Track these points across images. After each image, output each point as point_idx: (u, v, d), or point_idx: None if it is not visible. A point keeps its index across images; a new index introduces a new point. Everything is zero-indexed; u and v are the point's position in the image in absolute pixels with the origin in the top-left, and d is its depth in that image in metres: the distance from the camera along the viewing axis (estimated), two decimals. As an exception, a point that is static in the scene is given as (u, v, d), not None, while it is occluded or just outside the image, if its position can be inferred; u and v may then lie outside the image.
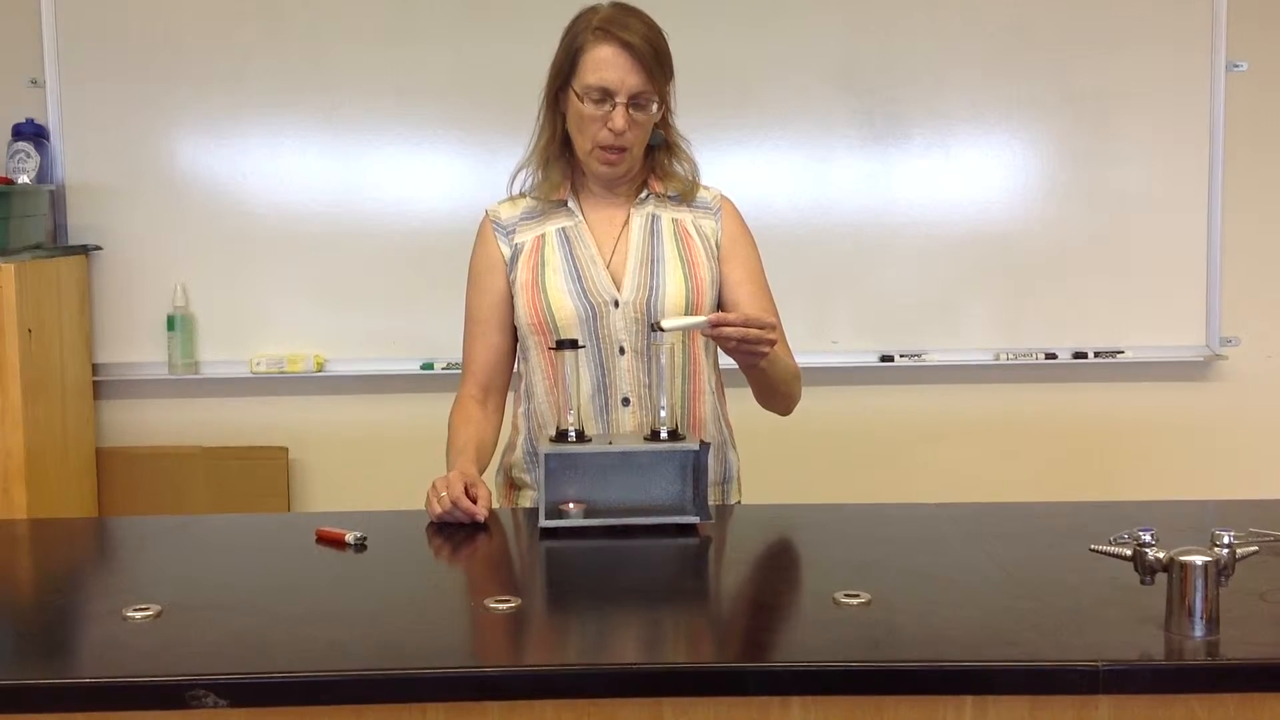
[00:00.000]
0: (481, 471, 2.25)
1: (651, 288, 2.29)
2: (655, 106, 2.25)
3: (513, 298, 2.33)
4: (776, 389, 2.28)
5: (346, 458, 3.90)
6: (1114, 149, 3.87)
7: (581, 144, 2.28)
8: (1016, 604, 1.69)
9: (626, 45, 2.20)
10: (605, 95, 2.21)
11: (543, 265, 2.31)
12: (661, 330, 2.08)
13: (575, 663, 1.56)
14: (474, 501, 2.09)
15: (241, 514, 3.47)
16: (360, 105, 3.80)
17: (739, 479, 2.44)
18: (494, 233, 2.36)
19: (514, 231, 2.35)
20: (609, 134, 2.23)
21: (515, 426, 2.41)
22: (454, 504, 2.07)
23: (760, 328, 2.05)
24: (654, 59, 2.22)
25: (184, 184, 3.82)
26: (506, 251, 2.34)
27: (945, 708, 1.49)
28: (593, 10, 2.27)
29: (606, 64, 2.21)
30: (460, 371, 2.41)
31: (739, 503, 2.42)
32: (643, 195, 2.36)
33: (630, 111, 2.22)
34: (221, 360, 3.86)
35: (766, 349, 2.07)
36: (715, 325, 2.04)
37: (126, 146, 3.80)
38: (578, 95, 2.23)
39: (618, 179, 2.32)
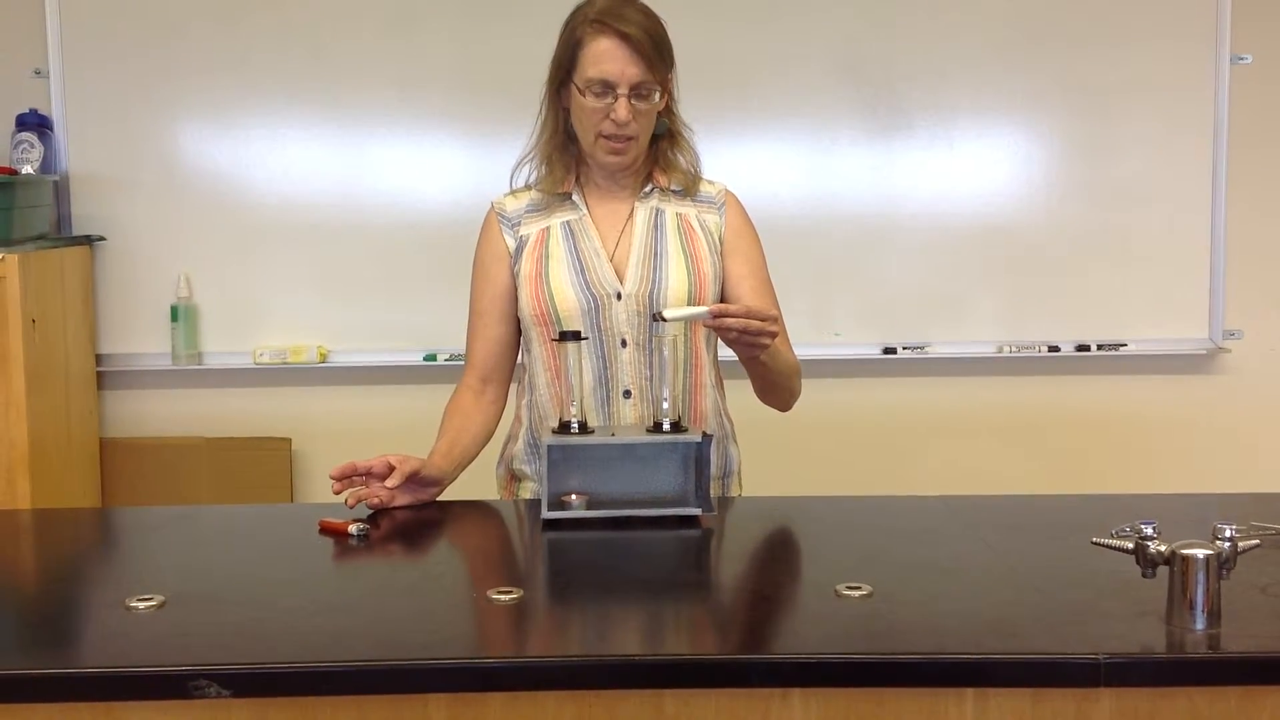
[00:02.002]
0: (463, 464, 2.27)
1: (654, 281, 2.29)
2: (658, 95, 2.25)
3: (516, 290, 2.33)
4: (777, 383, 2.28)
5: (349, 449, 3.83)
6: (1117, 141, 3.86)
7: (585, 136, 2.28)
8: (1018, 596, 1.69)
9: (624, 36, 2.20)
10: (606, 88, 2.21)
11: (547, 257, 2.31)
12: (663, 321, 2.08)
13: (577, 654, 1.56)
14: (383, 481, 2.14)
15: (244, 505, 3.48)
16: (364, 96, 3.80)
17: (739, 473, 2.44)
18: (499, 225, 2.36)
19: (519, 224, 2.35)
20: (612, 125, 2.23)
21: (518, 418, 2.42)
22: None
23: (761, 319, 2.05)
24: (653, 48, 2.22)
25: (188, 175, 3.82)
26: (511, 244, 2.35)
27: (946, 700, 1.49)
28: (590, 3, 2.27)
29: (606, 56, 2.21)
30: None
31: (740, 496, 2.42)
32: (647, 189, 2.36)
33: (633, 102, 2.22)
34: (225, 351, 3.86)
35: (767, 341, 2.08)
36: (716, 316, 2.05)
37: (130, 137, 3.80)
38: (579, 89, 2.23)
39: (624, 168, 2.32)
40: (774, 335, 2.08)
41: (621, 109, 2.21)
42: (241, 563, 1.95)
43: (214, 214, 3.82)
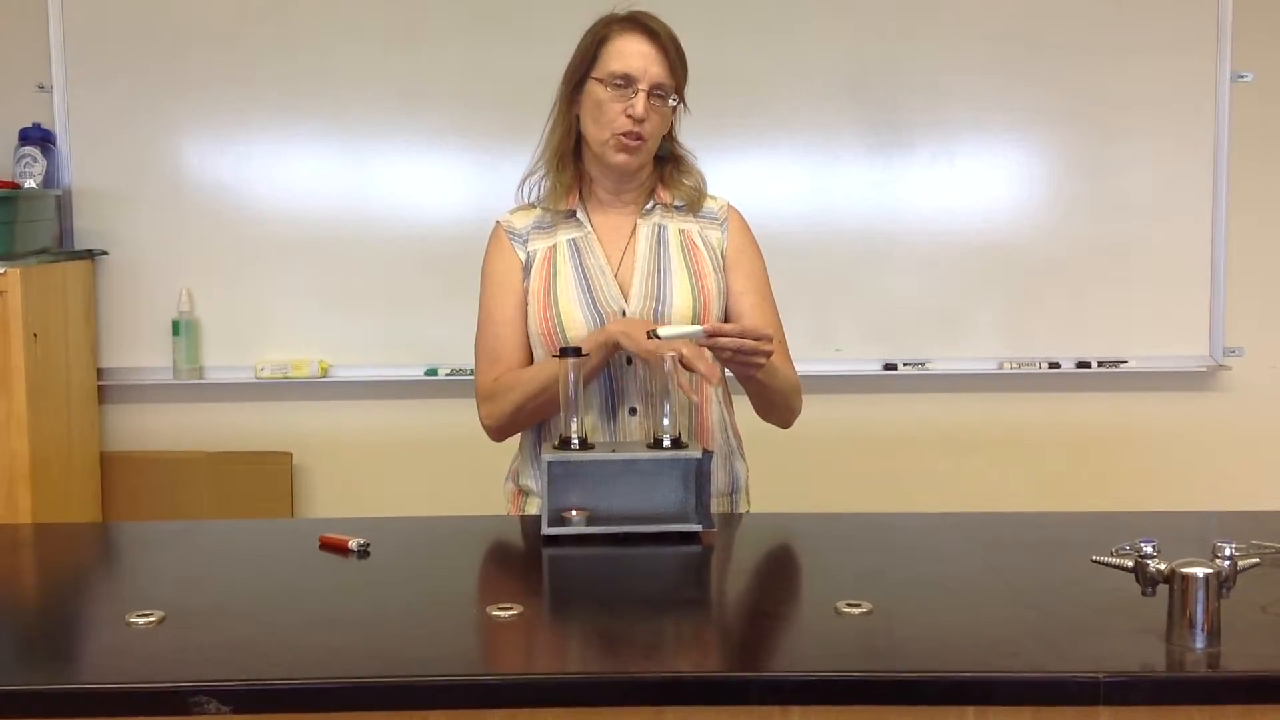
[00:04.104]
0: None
1: (658, 298, 2.29)
2: (672, 101, 2.27)
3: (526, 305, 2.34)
4: (774, 401, 2.28)
5: (350, 463, 3.90)
6: (1119, 159, 3.87)
7: (598, 134, 2.28)
8: (1018, 614, 1.69)
9: (652, 34, 2.26)
10: (628, 81, 2.24)
11: (554, 275, 2.32)
12: (658, 339, 2.09)
13: (577, 671, 1.56)
14: None
15: (245, 519, 3.48)
16: (366, 111, 3.81)
17: (747, 489, 2.43)
18: (509, 239, 2.36)
19: (527, 240, 2.36)
20: (628, 121, 2.24)
21: (524, 434, 2.41)
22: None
23: (756, 339, 2.06)
24: (675, 53, 2.27)
25: (190, 189, 3.82)
26: (522, 256, 2.35)
27: (946, 718, 1.49)
28: (613, 12, 2.32)
29: (632, 52, 2.25)
30: (474, 377, 2.38)
31: (748, 512, 2.42)
32: (649, 205, 2.36)
33: (650, 101, 2.23)
34: (226, 365, 3.86)
35: (762, 360, 2.08)
36: (711, 335, 2.05)
37: (133, 151, 3.81)
38: (600, 82, 2.25)
39: (631, 174, 2.33)
40: (769, 354, 2.09)
41: (640, 103, 2.23)
42: (242, 578, 1.95)
43: (216, 228, 3.83)
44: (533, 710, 1.49)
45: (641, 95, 2.23)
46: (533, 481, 2.37)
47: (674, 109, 2.30)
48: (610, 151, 2.28)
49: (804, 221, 3.84)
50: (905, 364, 3.90)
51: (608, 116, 2.26)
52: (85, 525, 3.36)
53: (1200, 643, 1.53)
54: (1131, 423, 3.95)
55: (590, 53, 2.29)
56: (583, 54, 2.30)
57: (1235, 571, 1.56)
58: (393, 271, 3.83)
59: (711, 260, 2.34)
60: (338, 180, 3.83)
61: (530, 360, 2.35)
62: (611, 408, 2.29)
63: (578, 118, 2.32)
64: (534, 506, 2.37)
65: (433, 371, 3.84)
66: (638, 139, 2.26)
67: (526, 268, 2.34)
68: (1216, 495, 3.83)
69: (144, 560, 2.12)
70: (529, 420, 2.32)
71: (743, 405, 2.38)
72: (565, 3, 2.34)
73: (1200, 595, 1.53)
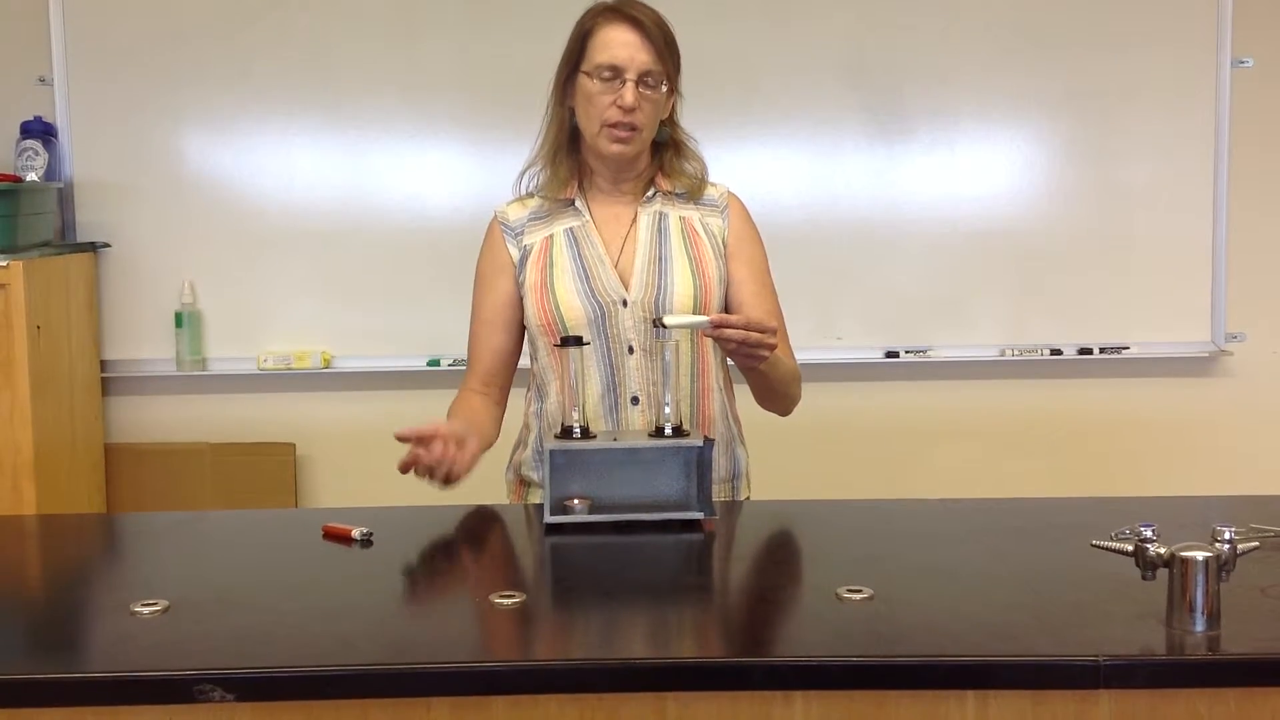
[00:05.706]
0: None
1: (659, 286, 2.29)
2: (664, 87, 2.27)
3: (521, 299, 2.34)
4: (775, 390, 2.29)
5: (353, 454, 3.91)
6: (1119, 145, 3.87)
7: (590, 126, 2.28)
8: (1018, 599, 1.70)
9: (636, 23, 2.24)
10: (615, 72, 2.23)
11: (551, 266, 2.32)
12: (664, 327, 2.09)
13: (580, 658, 1.57)
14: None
15: (248, 510, 3.48)
16: (367, 102, 3.81)
17: (748, 475, 2.44)
18: (502, 235, 2.37)
19: (522, 233, 2.36)
20: (618, 111, 2.24)
21: (526, 425, 2.42)
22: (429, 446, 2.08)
23: (761, 331, 2.06)
24: (662, 40, 2.26)
25: (192, 181, 3.83)
26: (515, 253, 2.35)
27: (947, 702, 1.50)
28: (600, 1, 2.31)
29: (617, 42, 2.24)
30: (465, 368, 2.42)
31: (748, 499, 2.42)
32: (650, 194, 2.36)
33: (640, 90, 2.23)
34: (229, 357, 3.87)
35: (766, 353, 2.08)
36: (717, 326, 2.06)
37: (134, 144, 3.81)
38: (587, 75, 2.25)
39: (627, 163, 2.32)
40: (773, 347, 2.09)
41: (628, 93, 2.23)
42: (245, 567, 1.96)
43: (218, 220, 3.83)
44: (535, 697, 1.50)
45: (630, 85, 2.23)
46: (534, 472, 2.38)
47: (668, 95, 2.30)
48: (604, 143, 2.28)
49: (805, 209, 3.85)
50: (907, 351, 3.91)
51: (598, 108, 2.26)
52: (90, 516, 3.37)
53: (1200, 626, 1.54)
54: (1133, 408, 3.95)
55: (577, 46, 2.29)
56: (570, 48, 2.31)
57: (1235, 555, 1.57)
58: (394, 262, 3.84)
59: (713, 247, 2.34)
60: (339, 171, 3.83)
61: (502, 360, 2.37)
62: (614, 396, 2.30)
63: (572, 111, 2.32)
64: (536, 497, 2.38)
65: (435, 362, 3.84)
66: (630, 128, 2.26)
67: (521, 261, 2.34)
68: (1217, 479, 3.84)
69: (148, 550, 2.13)
70: None
71: (742, 393, 2.39)
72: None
73: (1200, 579, 1.54)
